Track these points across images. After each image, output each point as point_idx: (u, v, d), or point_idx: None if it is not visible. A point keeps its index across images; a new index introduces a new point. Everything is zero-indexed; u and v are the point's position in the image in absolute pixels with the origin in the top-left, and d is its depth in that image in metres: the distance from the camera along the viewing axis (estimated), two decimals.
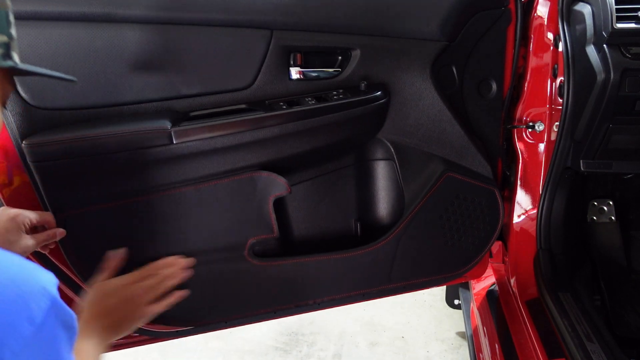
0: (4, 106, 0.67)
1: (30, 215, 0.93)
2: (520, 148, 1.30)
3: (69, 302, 1.11)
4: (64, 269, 1.07)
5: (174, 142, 0.96)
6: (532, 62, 1.26)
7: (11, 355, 0.42)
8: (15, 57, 0.64)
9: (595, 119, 1.13)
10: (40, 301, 0.46)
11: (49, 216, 0.98)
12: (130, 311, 0.91)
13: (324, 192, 1.21)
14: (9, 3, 0.63)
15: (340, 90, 1.07)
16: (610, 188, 1.47)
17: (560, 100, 1.18)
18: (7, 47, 0.61)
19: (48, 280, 0.49)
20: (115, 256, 0.96)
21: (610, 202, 1.45)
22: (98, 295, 0.90)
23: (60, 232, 0.98)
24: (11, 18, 0.64)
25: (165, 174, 1.01)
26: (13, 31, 0.64)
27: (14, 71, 0.65)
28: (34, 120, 0.96)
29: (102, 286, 0.92)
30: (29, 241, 0.93)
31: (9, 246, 0.93)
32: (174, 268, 0.99)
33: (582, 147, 1.18)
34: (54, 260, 1.05)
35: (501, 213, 1.23)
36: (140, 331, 1.14)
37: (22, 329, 0.44)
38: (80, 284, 1.09)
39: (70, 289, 1.10)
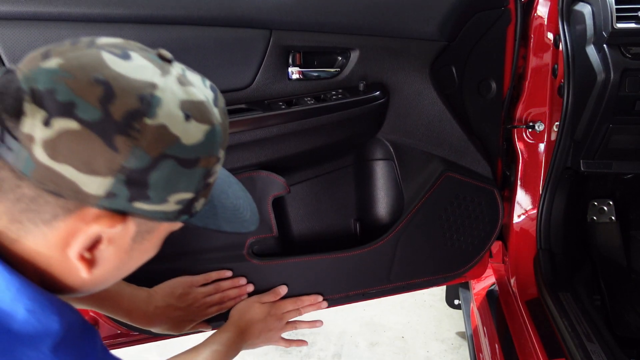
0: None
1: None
2: (520, 148, 1.30)
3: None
4: None
5: None
6: (532, 62, 1.26)
7: None
8: (196, 207, 0.57)
9: (595, 119, 1.13)
10: None
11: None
12: (266, 338, 1.08)
13: (323, 192, 1.21)
14: (217, 159, 0.55)
15: (340, 90, 1.07)
16: (610, 188, 1.47)
17: (561, 100, 1.18)
18: (189, 203, 0.55)
19: None
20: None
21: (610, 202, 1.45)
22: (249, 315, 1.06)
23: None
24: (213, 178, 0.57)
25: None
26: (212, 179, 0.57)
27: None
28: None
29: (258, 308, 1.08)
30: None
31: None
32: (313, 306, 1.18)
33: (582, 147, 1.18)
34: None
35: (501, 213, 1.23)
36: (140, 330, 1.14)
37: None
38: None
39: None
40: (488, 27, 1.16)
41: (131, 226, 0.53)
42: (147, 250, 0.58)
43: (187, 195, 0.54)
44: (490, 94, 1.21)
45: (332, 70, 1.09)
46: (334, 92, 1.06)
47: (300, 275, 1.18)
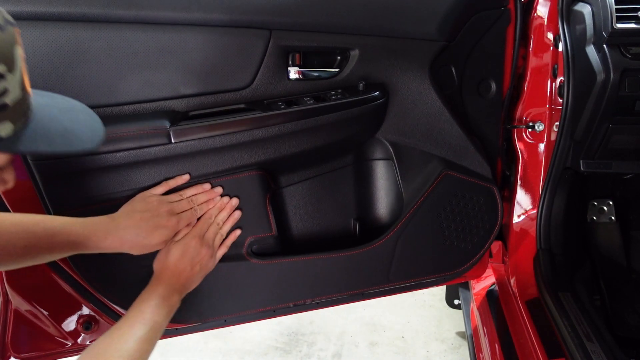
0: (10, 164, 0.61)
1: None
2: (520, 148, 1.30)
3: (69, 298, 1.12)
4: (64, 267, 1.08)
5: (173, 141, 0.97)
6: (532, 62, 1.26)
7: None
8: (5, 128, 0.53)
9: (595, 119, 1.13)
10: None
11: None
12: (202, 266, 1.02)
13: (322, 192, 1.21)
14: None
15: (339, 90, 1.07)
16: (610, 188, 1.47)
17: (560, 100, 1.18)
18: None
19: None
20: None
21: (610, 202, 1.45)
22: (169, 260, 0.98)
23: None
24: (8, 99, 0.53)
25: (164, 173, 1.01)
26: (7, 99, 0.53)
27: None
28: None
29: (171, 250, 0.99)
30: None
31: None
32: (225, 211, 1.07)
33: (582, 147, 1.18)
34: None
35: (500, 212, 1.23)
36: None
37: None
38: (80, 282, 1.09)
39: (71, 287, 1.11)
40: (488, 27, 1.16)
41: None
42: None
43: None
44: (490, 94, 1.21)
45: (331, 70, 1.10)
46: (333, 92, 1.07)
47: (300, 275, 1.18)
